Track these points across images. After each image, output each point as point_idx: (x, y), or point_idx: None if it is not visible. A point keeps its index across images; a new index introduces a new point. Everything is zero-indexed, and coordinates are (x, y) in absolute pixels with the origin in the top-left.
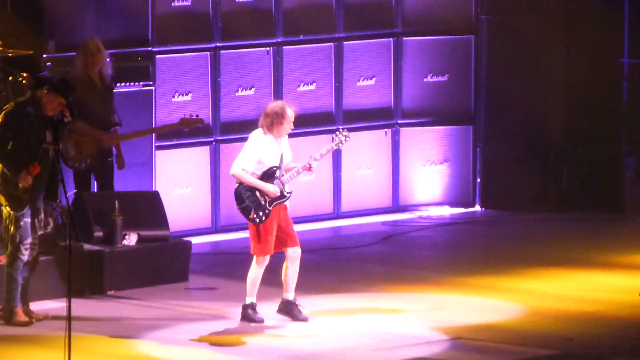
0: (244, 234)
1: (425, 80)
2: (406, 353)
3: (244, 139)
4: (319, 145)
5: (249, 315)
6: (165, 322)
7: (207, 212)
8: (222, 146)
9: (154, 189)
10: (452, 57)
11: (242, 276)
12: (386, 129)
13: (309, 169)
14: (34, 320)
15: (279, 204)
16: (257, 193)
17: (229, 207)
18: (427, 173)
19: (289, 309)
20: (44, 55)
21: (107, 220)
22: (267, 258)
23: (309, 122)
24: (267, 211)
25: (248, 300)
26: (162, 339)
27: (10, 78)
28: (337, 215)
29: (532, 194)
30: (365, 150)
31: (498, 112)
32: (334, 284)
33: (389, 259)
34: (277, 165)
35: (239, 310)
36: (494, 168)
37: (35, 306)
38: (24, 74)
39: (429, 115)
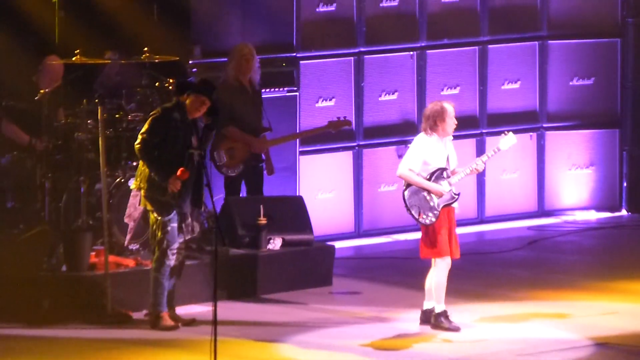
0: (387, 239)
1: (570, 83)
2: (552, 358)
3: (387, 144)
4: (463, 149)
5: (442, 323)
6: (310, 326)
7: (350, 217)
8: (365, 151)
9: (297, 194)
10: (598, 60)
11: (386, 281)
12: (531, 133)
13: (477, 170)
14: (180, 324)
15: (447, 206)
16: (425, 194)
17: (372, 211)
18: (572, 177)
19: (433, 319)
20: (190, 61)
21: (252, 224)
22: (447, 259)
23: None
24: (436, 212)
25: (438, 309)
26: (307, 344)
27: (157, 84)
28: (481, 219)
29: None
30: (509, 154)
31: None
32: (478, 289)
33: (534, 264)
34: (444, 166)
35: (383, 314)
36: None
37: (181, 310)
38: (170, 80)
39: (575, 118)
